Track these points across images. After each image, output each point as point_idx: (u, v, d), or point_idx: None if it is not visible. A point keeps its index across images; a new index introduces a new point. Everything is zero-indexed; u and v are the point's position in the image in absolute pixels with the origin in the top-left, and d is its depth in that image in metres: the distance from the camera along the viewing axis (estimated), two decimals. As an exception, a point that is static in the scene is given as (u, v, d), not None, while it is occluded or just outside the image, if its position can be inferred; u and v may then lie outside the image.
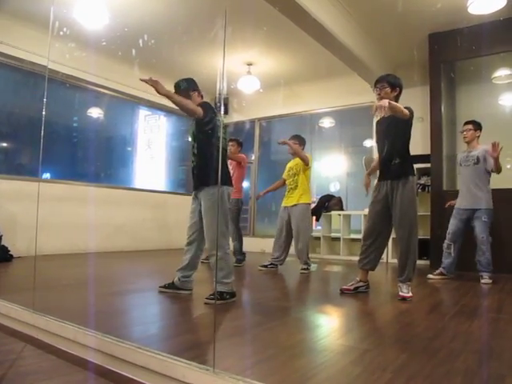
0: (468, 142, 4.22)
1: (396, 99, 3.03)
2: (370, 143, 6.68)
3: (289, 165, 4.90)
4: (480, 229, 4.01)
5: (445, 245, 4.22)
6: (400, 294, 3.03)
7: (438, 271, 4.23)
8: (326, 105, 7.01)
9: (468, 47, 4.89)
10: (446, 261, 4.20)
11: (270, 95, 7.24)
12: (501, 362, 1.75)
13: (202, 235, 2.89)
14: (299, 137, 4.81)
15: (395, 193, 3.04)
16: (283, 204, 4.80)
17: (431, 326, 2.36)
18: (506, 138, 5.12)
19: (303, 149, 4.79)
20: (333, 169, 7.58)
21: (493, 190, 4.30)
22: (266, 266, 4.69)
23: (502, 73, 5.29)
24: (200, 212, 2.87)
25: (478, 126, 4.20)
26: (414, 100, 6.03)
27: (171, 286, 3.03)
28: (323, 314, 2.77)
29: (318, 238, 6.60)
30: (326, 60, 5.60)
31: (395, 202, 3.04)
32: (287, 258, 4.82)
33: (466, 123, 4.28)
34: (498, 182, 4.34)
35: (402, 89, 3.11)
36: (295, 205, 4.64)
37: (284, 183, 4.90)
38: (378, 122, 3.27)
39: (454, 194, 4.40)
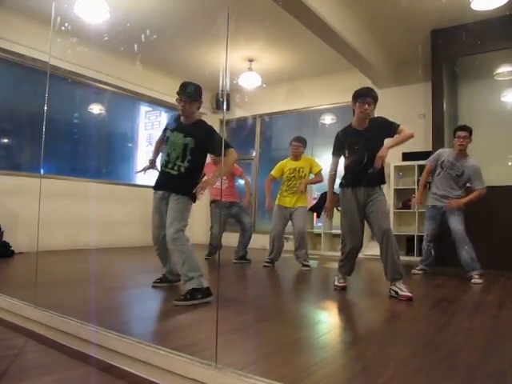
0: (461, 150, 3.97)
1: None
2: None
3: (292, 165, 4.64)
4: (457, 222, 3.90)
5: (425, 246, 4.22)
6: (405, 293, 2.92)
7: (419, 267, 4.28)
8: (327, 101, 6.97)
9: (470, 44, 4.86)
10: (429, 259, 4.24)
11: (271, 91, 7.21)
12: (502, 359, 1.76)
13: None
14: (303, 140, 4.71)
15: (373, 197, 3.08)
16: (284, 203, 4.59)
17: (433, 323, 2.36)
18: (507, 134, 5.13)
19: (304, 151, 4.73)
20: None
21: (495, 187, 4.25)
22: (271, 263, 4.64)
23: (504, 69, 5.28)
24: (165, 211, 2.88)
25: (471, 134, 3.98)
26: (416, 96, 6.02)
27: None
28: (324, 310, 2.77)
29: (319, 235, 6.58)
30: (327, 56, 5.58)
31: (375, 204, 3.07)
32: (284, 255, 4.80)
33: (463, 129, 3.98)
34: (500, 179, 4.33)
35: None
36: (301, 206, 4.57)
37: (272, 180, 4.74)
38: (357, 132, 3.18)
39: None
